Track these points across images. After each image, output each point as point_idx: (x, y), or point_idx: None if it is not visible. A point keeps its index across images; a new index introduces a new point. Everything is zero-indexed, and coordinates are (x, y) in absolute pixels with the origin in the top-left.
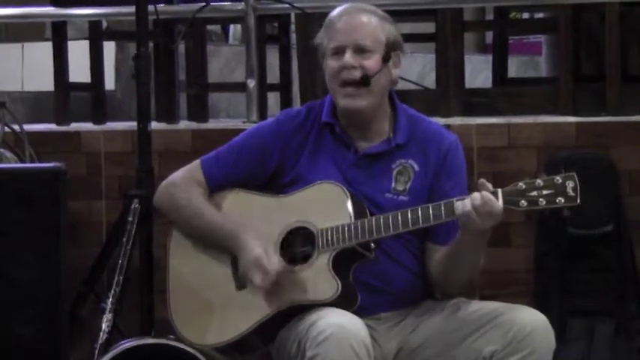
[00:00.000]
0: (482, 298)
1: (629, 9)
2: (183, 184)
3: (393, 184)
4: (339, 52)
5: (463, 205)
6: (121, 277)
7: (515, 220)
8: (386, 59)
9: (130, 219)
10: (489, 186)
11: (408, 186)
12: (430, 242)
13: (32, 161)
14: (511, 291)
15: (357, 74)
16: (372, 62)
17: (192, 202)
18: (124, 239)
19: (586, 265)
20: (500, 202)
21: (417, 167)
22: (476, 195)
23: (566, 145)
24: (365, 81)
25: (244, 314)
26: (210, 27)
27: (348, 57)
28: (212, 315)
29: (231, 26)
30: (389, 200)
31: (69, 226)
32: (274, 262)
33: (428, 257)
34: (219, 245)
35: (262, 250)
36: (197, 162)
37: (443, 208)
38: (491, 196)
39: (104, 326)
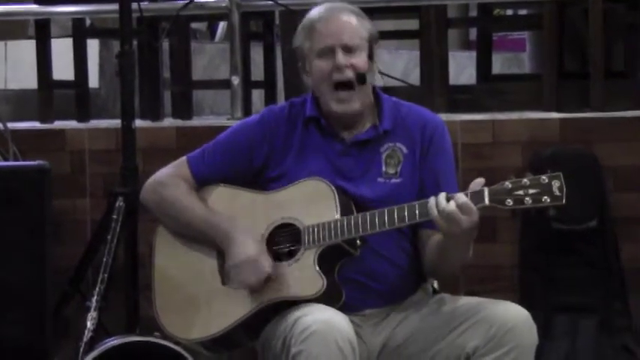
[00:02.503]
0: (468, 293)
1: (612, 6)
2: (170, 181)
3: (383, 168)
4: (327, 53)
5: (440, 203)
6: (106, 275)
7: (501, 216)
8: (371, 55)
9: (115, 217)
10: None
11: (398, 169)
12: (422, 229)
13: (16, 159)
14: (496, 287)
15: (350, 74)
16: (361, 60)
17: (181, 199)
18: (109, 237)
19: (570, 260)
20: (486, 201)
21: (405, 150)
22: (451, 202)
23: (551, 141)
24: (362, 79)
25: (230, 309)
26: (194, 24)
27: (341, 57)
28: (197, 310)
29: (220, 25)
30: (381, 184)
31: (53, 224)
32: (266, 263)
33: (421, 244)
34: (209, 241)
35: (255, 250)
36: (183, 159)
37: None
38: (465, 201)
39: (89, 324)
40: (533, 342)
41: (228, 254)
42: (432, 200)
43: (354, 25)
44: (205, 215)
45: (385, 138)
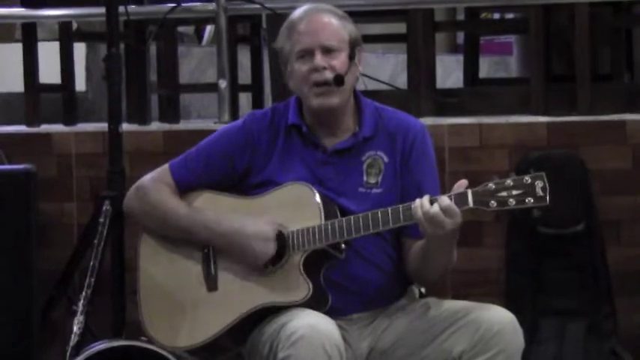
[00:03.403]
0: (454, 297)
1: (598, 10)
2: (152, 186)
3: (364, 178)
4: (305, 55)
5: (425, 206)
6: (93, 279)
7: (487, 219)
8: (351, 57)
9: (102, 220)
10: (462, 183)
11: (379, 178)
12: (405, 237)
13: (2, 163)
14: (483, 291)
15: (328, 75)
16: (340, 62)
17: (166, 202)
18: (96, 241)
19: (557, 264)
20: (470, 203)
21: (386, 158)
22: (435, 205)
23: (538, 145)
24: (339, 81)
25: (216, 316)
26: (181, 28)
27: (319, 59)
28: (183, 317)
29: (207, 28)
30: (362, 194)
31: (40, 228)
32: (270, 230)
33: (404, 252)
34: (196, 242)
35: (255, 225)
36: (165, 166)
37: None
38: (449, 204)
39: (75, 328)
40: (520, 346)
41: (225, 244)
42: (416, 202)
43: (333, 26)
44: (192, 214)
45: (365, 145)
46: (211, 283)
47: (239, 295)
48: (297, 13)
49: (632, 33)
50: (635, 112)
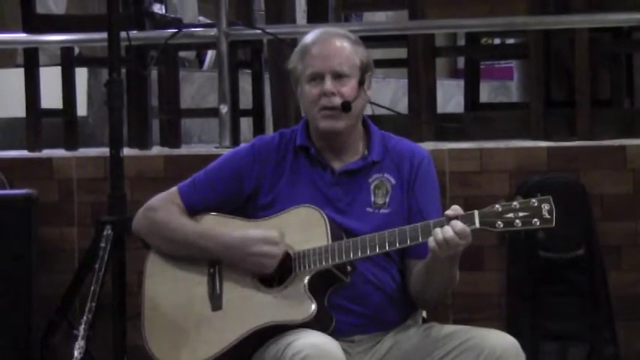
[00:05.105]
0: (456, 322)
1: (598, 35)
2: (160, 205)
3: (372, 199)
4: (316, 78)
5: (439, 232)
6: (93, 304)
7: (488, 244)
8: (361, 82)
9: (103, 245)
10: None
11: (387, 199)
12: (408, 257)
13: (4, 188)
14: (484, 315)
15: (337, 101)
16: (349, 88)
17: (173, 219)
18: (97, 266)
19: (558, 288)
20: (477, 223)
21: (393, 181)
22: (447, 228)
23: (538, 169)
24: (346, 107)
25: (219, 335)
26: (182, 53)
27: (329, 84)
28: (186, 335)
29: (208, 54)
30: (370, 214)
31: (41, 252)
32: (276, 234)
33: (407, 273)
34: (205, 255)
35: (260, 230)
36: (174, 189)
37: (420, 230)
38: (462, 227)
39: (76, 353)
40: None
41: (232, 254)
42: (436, 231)
43: (346, 51)
44: (200, 230)
45: (373, 168)
46: (216, 303)
47: (243, 315)
48: (310, 35)
49: (633, 58)
50: (635, 137)
